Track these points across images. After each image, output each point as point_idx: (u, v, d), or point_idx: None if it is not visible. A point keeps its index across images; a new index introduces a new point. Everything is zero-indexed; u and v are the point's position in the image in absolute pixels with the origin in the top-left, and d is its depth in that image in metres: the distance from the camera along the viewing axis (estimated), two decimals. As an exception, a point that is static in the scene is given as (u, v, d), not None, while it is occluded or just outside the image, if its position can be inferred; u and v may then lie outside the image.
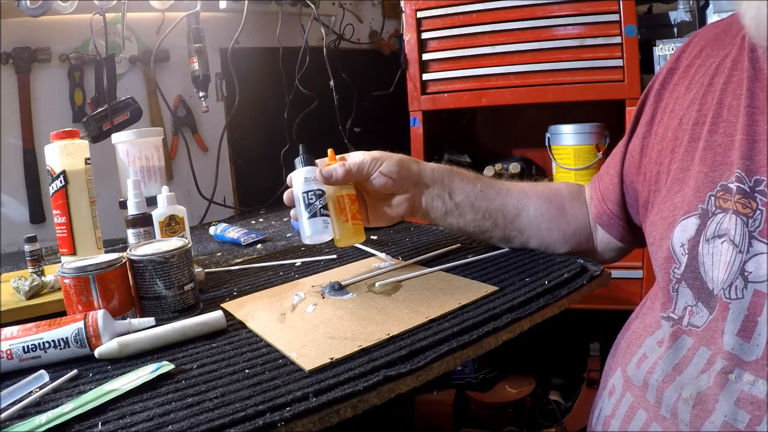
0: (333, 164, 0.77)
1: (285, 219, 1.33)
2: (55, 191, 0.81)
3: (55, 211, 0.82)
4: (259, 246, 1.08)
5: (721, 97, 0.58)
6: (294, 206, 0.78)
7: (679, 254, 0.56)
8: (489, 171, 1.52)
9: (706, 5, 1.37)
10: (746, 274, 0.50)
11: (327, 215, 0.76)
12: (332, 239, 0.77)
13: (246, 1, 1.44)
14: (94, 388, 0.53)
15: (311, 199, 0.75)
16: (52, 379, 0.55)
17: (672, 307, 0.57)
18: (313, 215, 0.75)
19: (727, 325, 0.50)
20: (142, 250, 0.70)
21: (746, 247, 0.51)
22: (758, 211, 0.51)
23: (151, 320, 0.65)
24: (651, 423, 0.54)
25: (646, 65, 1.35)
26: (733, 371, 0.49)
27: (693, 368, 0.52)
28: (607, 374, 0.67)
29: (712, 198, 0.55)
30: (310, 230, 0.75)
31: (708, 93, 0.60)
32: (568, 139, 1.46)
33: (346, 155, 0.80)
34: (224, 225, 1.19)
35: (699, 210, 0.55)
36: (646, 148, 0.68)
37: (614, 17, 1.32)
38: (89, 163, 0.84)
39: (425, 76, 1.54)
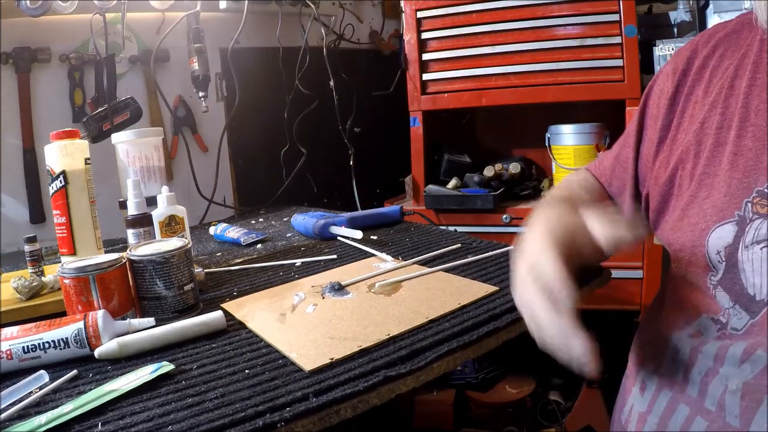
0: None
1: (285, 219, 1.33)
2: (55, 191, 0.81)
3: (55, 211, 0.82)
4: (259, 246, 1.08)
5: (747, 101, 0.57)
6: None
7: (716, 261, 0.55)
8: (489, 171, 1.52)
9: (706, 5, 1.37)
10: None
11: None
12: None
13: (246, 1, 1.44)
14: (94, 388, 0.53)
15: None
16: (52, 380, 0.55)
17: (707, 309, 0.56)
18: None
19: None
20: (142, 250, 0.70)
21: None
22: None
23: (151, 320, 0.65)
24: (695, 417, 0.53)
25: (646, 65, 1.35)
26: None
27: (731, 360, 0.52)
28: (633, 371, 0.66)
29: (749, 204, 0.54)
30: None
31: (730, 96, 0.59)
32: (568, 139, 1.46)
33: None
34: (224, 225, 1.18)
35: (735, 217, 0.54)
36: (660, 153, 0.67)
37: (614, 17, 1.31)
38: (89, 163, 0.84)
39: (425, 76, 1.54)
